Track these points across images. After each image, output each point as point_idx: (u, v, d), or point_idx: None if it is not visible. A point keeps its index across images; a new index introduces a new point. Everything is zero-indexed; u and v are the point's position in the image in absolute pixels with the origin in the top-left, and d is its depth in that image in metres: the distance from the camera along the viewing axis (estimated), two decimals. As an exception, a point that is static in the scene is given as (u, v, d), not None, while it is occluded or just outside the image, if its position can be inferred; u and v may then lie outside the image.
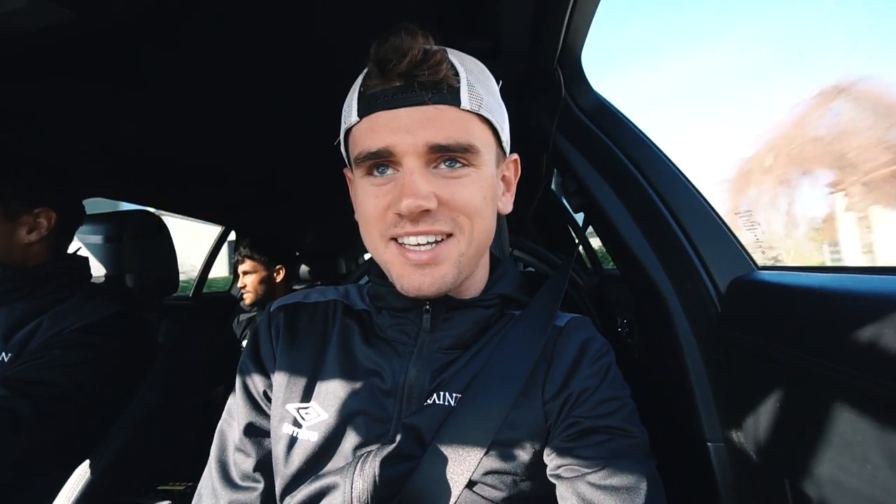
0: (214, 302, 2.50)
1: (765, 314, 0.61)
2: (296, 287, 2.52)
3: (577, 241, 1.95)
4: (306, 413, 0.60)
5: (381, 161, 0.54)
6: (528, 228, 2.04)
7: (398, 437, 0.56)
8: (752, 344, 0.62)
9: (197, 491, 0.64)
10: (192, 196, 1.92)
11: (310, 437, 0.58)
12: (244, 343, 2.18)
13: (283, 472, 0.59)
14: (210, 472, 0.63)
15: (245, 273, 2.10)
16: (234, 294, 2.67)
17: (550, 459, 0.56)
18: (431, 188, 0.52)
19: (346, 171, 0.67)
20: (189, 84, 1.03)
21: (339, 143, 0.63)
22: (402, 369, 0.59)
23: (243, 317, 2.26)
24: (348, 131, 0.58)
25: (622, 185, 0.85)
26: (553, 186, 1.89)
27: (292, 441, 0.59)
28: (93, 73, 0.89)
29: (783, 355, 0.55)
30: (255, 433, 0.63)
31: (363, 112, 0.54)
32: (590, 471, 0.52)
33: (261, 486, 0.61)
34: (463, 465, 0.53)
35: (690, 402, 0.70)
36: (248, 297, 2.11)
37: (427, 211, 0.52)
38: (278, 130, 1.36)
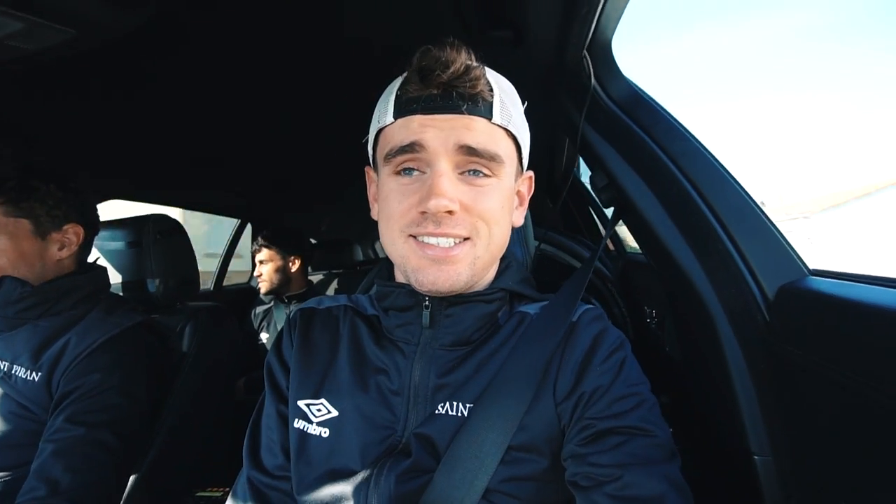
0: (235, 294, 2.52)
1: (818, 327, 0.57)
2: (311, 276, 2.54)
3: (602, 228, 1.91)
4: (317, 409, 0.62)
5: (411, 159, 0.56)
6: (555, 220, 2.00)
7: (412, 450, 0.56)
8: (805, 359, 0.58)
9: (233, 487, 0.65)
10: (208, 192, 1.91)
11: (321, 433, 0.60)
12: (262, 335, 2.21)
13: (297, 467, 0.60)
14: (245, 464, 0.65)
15: (261, 262, 2.12)
16: (254, 285, 2.70)
17: (567, 465, 0.54)
18: (457, 193, 0.54)
19: (368, 171, 0.68)
20: (202, 82, 1.00)
21: (367, 141, 0.65)
22: (408, 368, 0.61)
23: (260, 309, 2.29)
24: (380, 131, 0.60)
25: (656, 179, 0.80)
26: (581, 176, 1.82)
27: (303, 436, 0.61)
28: (106, 83, 0.86)
29: (840, 377, 0.51)
30: (285, 426, 0.65)
31: (399, 114, 0.56)
32: (607, 480, 0.50)
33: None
34: (478, 475, 0.53)
35: (735, 411, 0.67)
36: (264, 286, 2.14)
37: (450, 213, 0.54)
38: (293, 122, 1.33)
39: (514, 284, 0.66)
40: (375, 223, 0.63)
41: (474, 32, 0.82)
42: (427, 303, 0.61)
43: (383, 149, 0.58)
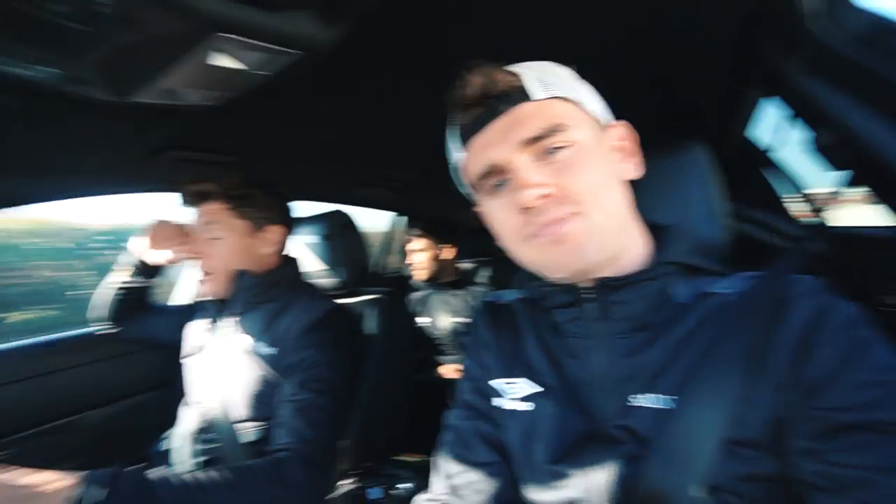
0: (390, 281, 2.74)
1: None
2: (459, 264, 2.62)
3: (794, 199, 1.59)
4: (514, 387, 0.66)
5: (494, 178, 0.59)
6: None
7: (621, 439, 0.56)
8: None
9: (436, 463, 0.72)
10: (371, 190, 2.10)
11: (519, 408, 0.64)
12: (417, 319, 2.36)
13: (507, 443, 0.65)
14: (445, 445, 0.72)
15: (415, 251, 2.27)
16: (404, 273, 2.89)
17: (797, 461, 0.48)
18: (542, 177, 0.56)
19: (478, 210, 0.70)
20: (378, 88, 1.07)
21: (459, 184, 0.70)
22: (588, 361, 0.61)
23: (415, 296, 2.42)
24: (460, 167, 0.66)
25: None
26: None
27: (501, 413, 0.66)
28: (305, 102, 0.98)
29: None
30: (483, 407, 0.70)
31: (464, 143, 0.63)
32: (854, 484, 0.43)
33: (493, 459, 0.67)
34: (692, 469, 0.50)
35: None
36: (419, 274, 2.28)
37: (548, 197, 0.55)
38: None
39: (682, 256, 0.62)
40: None
41: None
42: (591, 294, 0.60)
43: (470, 180, 0.64)
